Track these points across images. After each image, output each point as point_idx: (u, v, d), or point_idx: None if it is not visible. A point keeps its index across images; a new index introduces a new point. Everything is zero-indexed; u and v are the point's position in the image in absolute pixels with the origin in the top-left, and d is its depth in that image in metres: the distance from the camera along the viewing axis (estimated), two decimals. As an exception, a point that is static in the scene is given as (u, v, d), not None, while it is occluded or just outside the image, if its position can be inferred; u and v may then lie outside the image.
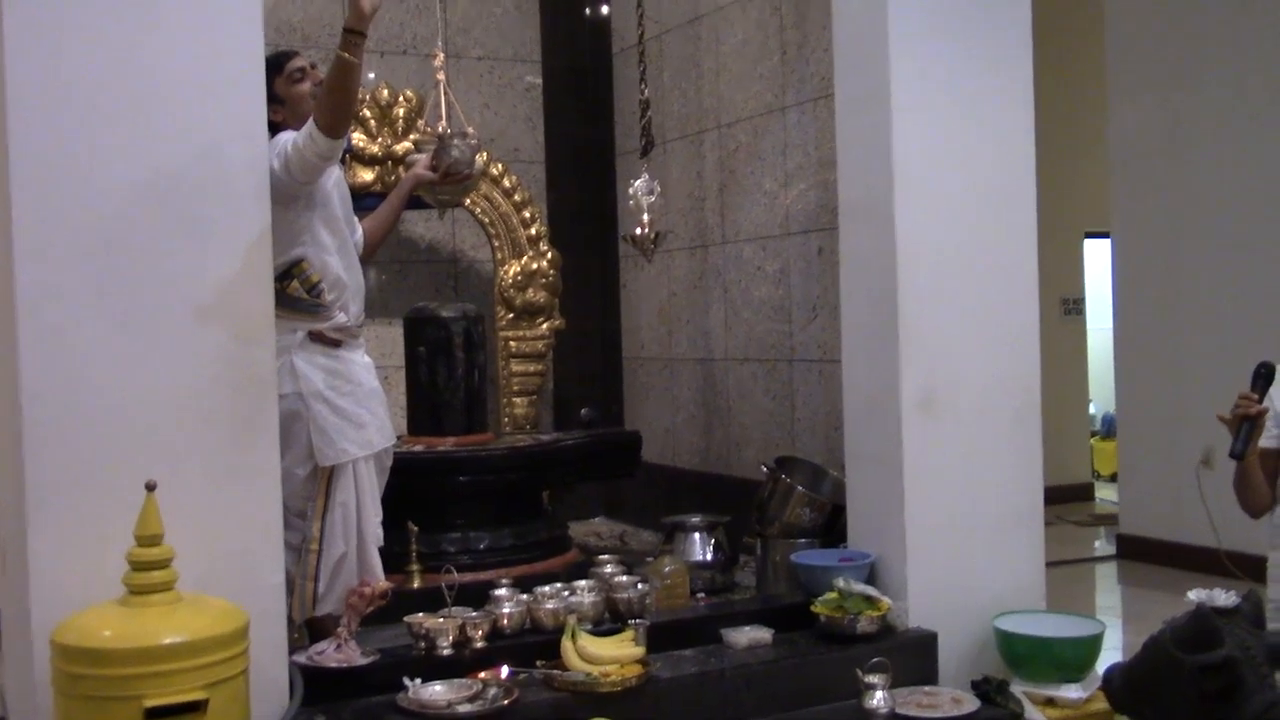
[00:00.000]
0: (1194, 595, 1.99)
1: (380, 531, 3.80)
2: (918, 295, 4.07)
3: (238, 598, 2.93)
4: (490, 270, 5.93)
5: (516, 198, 5.77)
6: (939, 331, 4.10)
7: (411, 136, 5.38)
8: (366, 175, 5.45)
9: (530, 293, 5.74)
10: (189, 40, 3.06)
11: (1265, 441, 3.17)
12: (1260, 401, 3.02)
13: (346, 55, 3.33)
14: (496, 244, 5.77)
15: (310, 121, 3.47)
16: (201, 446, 3.06)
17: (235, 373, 3.12)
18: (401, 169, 5.31)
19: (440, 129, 4.11)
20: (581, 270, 6.38)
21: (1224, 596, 1.99)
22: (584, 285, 6.43)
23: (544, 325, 5.81)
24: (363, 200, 5.54)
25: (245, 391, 3.14)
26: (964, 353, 4.14)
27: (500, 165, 5.83)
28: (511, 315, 5.75)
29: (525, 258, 5.75)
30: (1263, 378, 3.04)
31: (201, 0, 3.09)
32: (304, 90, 3.75)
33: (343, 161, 5.35)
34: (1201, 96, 6.64)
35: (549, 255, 5.79)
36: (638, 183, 5.31)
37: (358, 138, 5.47)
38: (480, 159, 4.00)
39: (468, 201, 5.60)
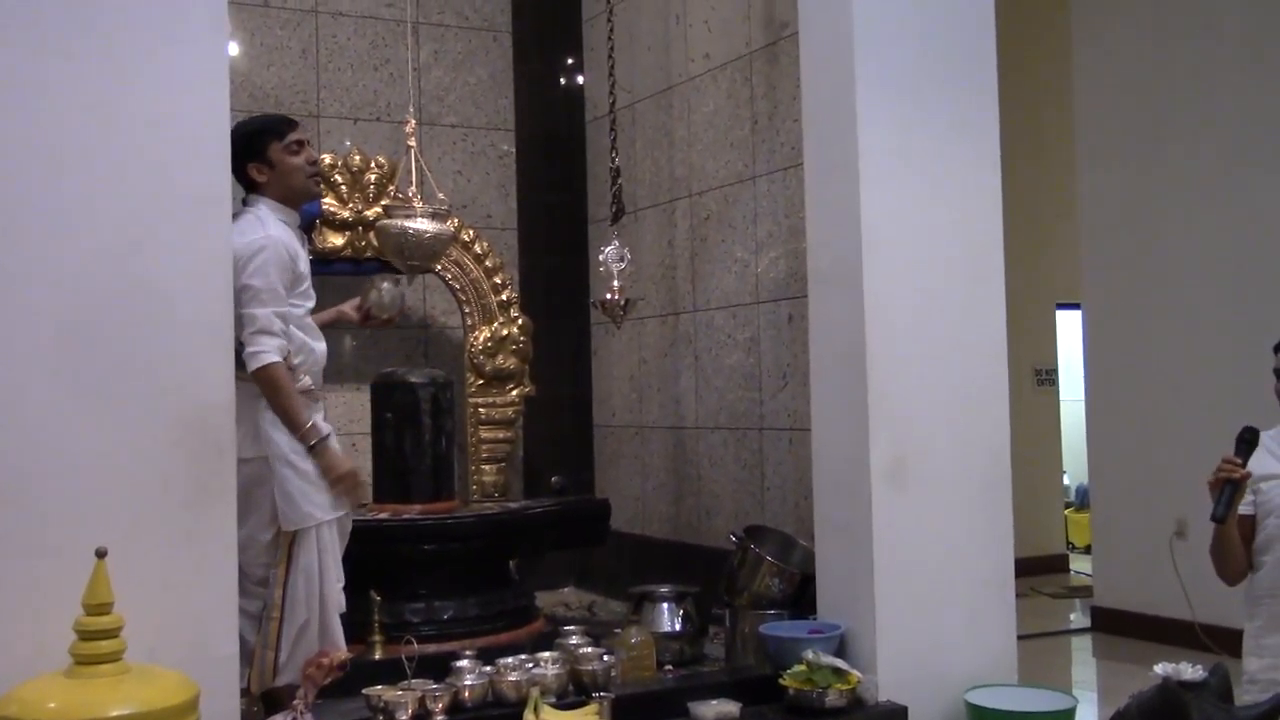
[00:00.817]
0: (1160, 669, 1.96)
1: (343, 598, 3.73)
2: (887, 363, 4.06)
3: (189, 669, 2.86)
4: (460, 336, 5.90)
5: (488, 263, 5.76)
6: (908, 400, 4.09)
7: (383, 202, 5.37)
8: (336, 240, 5.43)
9: (500, 359, 5.70)
10: (156, 102, 3.05)
11: (1242, 509, 3.17)
12: (1243, 466, 3.02)
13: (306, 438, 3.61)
14: (467, 310, 5.74)
15: (262, 350, 3.54)
16: (156, 513, 3.01)
17: (193, 439, 3.07)
18: (371, 235, 5.30)
19: (373, 285, 4.12)
20: (553, 337, 6.36)
21: (1191, 670, 1.95)
22: (555, 352, 6.41)
23: (514, 392, 5.77)
24: (332, 265, 5.54)
25: (203, 458, 3.09)
26: (933, 421, 4.13)
27: (471, 231, 5.83)
28: (481, 382, 5.72)
29: (496, 324, 5.72)
30: (1245, 443, 3.05)
31: (170, 64, 3.08)
32: (297, 163, 3.76)
33: (313, 226, 5.37)
34: (1170, 167, 6.72)
35: (520, 321, 5.77)
36: (608, 249, 5.31)
37: (328, 203, 5.46)
38: (401, 298, 4.06)
39: (438, 267, 5.59)
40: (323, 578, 3.65)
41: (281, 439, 3.65)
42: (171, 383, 3.04)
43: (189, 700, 2.69)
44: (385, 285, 3.88)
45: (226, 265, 3.18)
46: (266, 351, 3.54)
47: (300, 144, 3.81)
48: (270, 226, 3.66)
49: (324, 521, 3.67)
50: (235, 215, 3.46)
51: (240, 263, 3.51)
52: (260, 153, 3.74)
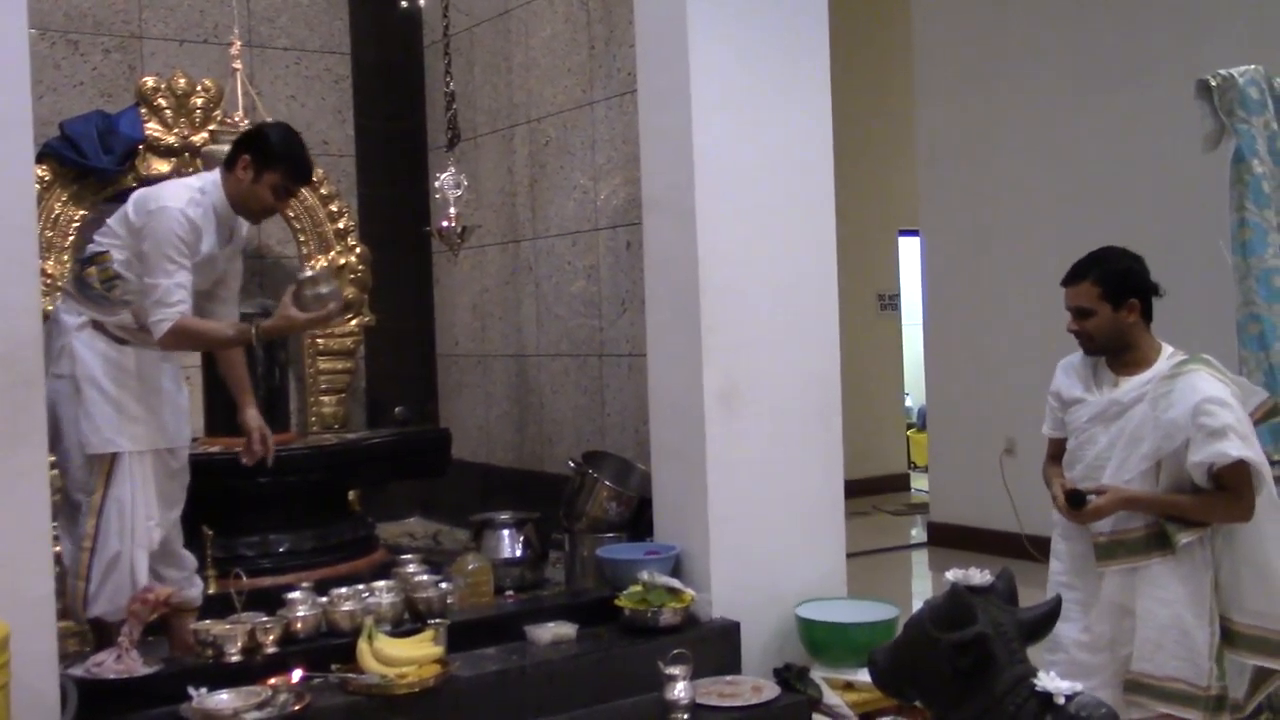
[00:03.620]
0: (951, 575, 2.05)
1: (155, 535, 3.65)
2: (719, 290, 4.12)
3: (2, 610, 2.79)
4: (296, 266, 5.76)
5: (323, 191, 5.62)
6: (740, 326, 4.15)
7: (209, 127, 5.19)
8: (163, 167, 5.22)
9: (338, 289, 5.59)
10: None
11: (1054, 431, 3.40)
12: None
13: (252, 338, 3.66)
14: (303, 239, 5.61)
15: (161, 319, 3.49)
16: (-40, 452, 2.89)
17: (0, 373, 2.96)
18: (199, 161, 5.12)
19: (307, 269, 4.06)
20: (393, 266, 6.26)
21: (979, 575, 2.05)
22: (396, 281, 6.31)
23: (353, 322, 5.67)
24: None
25: (9, 394, 2.98)
26: (765, 347, 4.20)
27: (306, 158, 5.67)
28: (318, 312, 5.59)
29: (332, 253, 5.60)
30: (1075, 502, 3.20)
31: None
32: (267, 200, 3.66)
33: (135, 153, 5.17)
34: (1004, 98, 6.90)
35: (357, 250, 5.66)
36: (444, 176, 5.24)
37: (153, 128, 5.25)
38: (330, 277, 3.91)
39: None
40: (134, 512, 3.57)
41: (94, 361, 3.57)
42: (-28, 317, 2.92)
43: (-2, 641, 2.62)
44: (309, 273, 3.74)
45: (28, 193, 3.05)
46: (163, 320, 3.46)
47: (289, 192, 3.77)
48: (185, 198, 3.58)
49: (129, 452, 3.58)
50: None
51: (139, 221, 3.55)
52: (264, 165, 3.62)
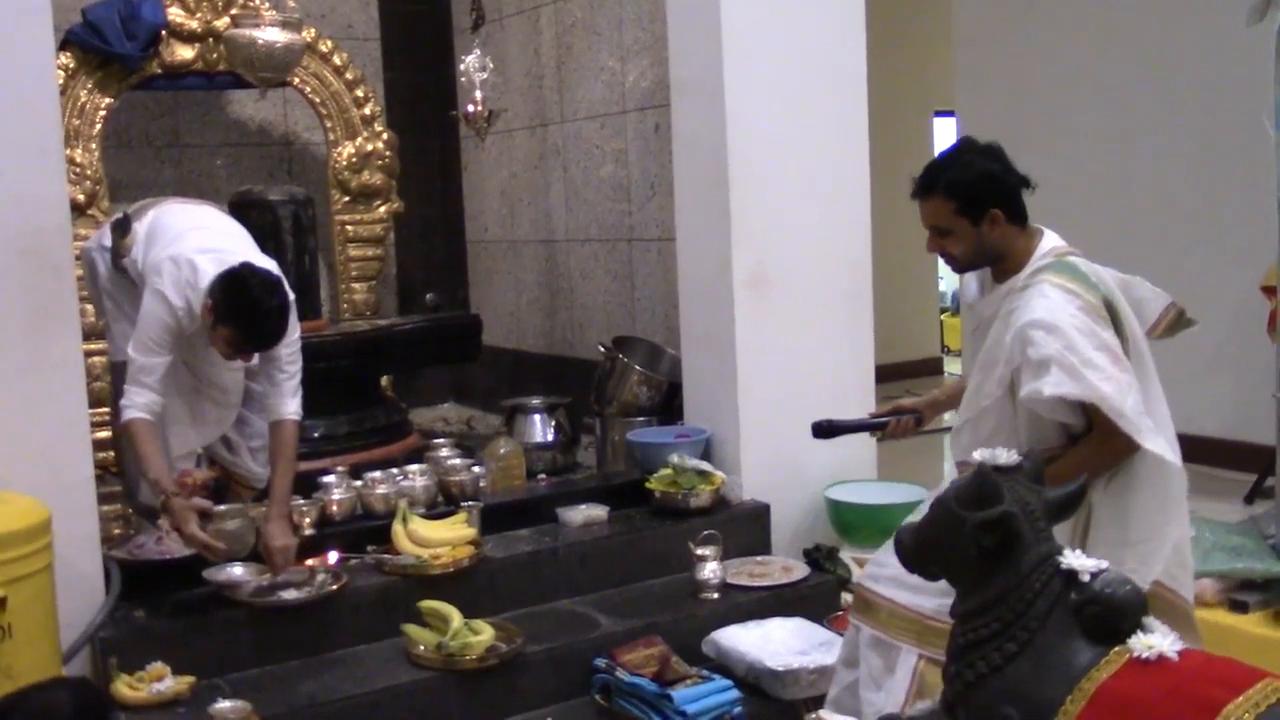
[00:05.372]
0: (978, 455, 2.04)
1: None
2: (748, 173, 4.07)
3: (43, 494, 2.85)
4: (324, 153, 5.72)
5: (348, 76, 5.54)
6: (770, 210, 4.11)
7: (231, 11, 5.11)
8: (186, 53, 5.16)
9: (366, 175, 5.55)
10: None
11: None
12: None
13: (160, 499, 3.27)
14: (329, 125, 5.55)
15: (128, 406, 3.31)
16: (-6, 342, 2.93)
17: (27, 264, 2.98)
18: (222, 48, 5.06)
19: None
20: (421, 153, 6.21)
21: (1006, 455, 2.04)
22: (424, 167, 6.27)
23: (381, 209, 5.64)
24: (183, 79, 5.30)
25: (40, 283, 3.01)
26: (795, 231, 4.16)
27: (330, 42, 5.58)
28: (347, 199, 5.56)
29: (359, 139, 5.55)
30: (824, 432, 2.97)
31: None
32: (222, 349, 3.35)
33: (159, 39, 5.10)
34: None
35: (384, 136, 5.60)
36: (469, 59, 5.16)
37: (175, 13, 5.17)
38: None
39: (297, 81, 5.38)
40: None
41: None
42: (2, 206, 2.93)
43: (38, 524, 2.68)
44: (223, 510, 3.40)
45: (49, 81, 3.04)
46: (130, 408, 3.31)
47: (244, 352, 3.40)
48: (182, 297, 3.38)
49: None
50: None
51: (145, 268, 3.48)
52: (218, 319, 3.28)
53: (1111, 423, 2.46)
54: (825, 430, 2.94)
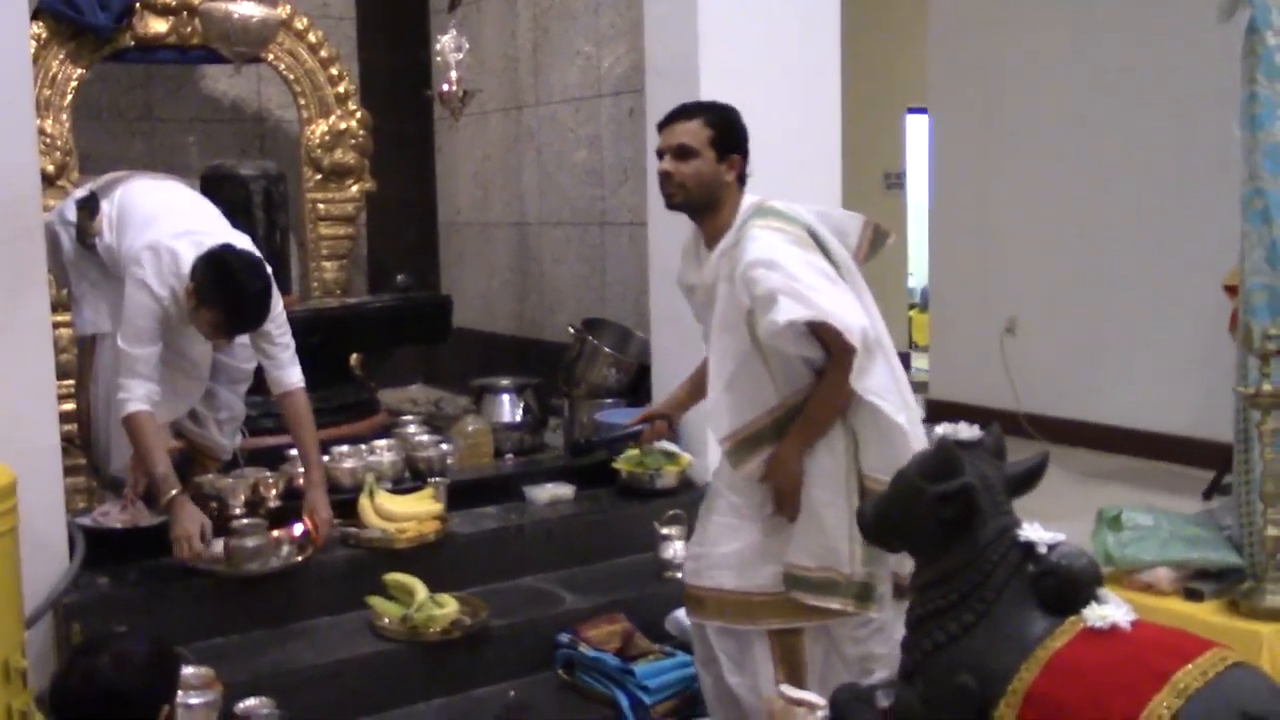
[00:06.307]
0: (940, 429, 2.08)
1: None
2: (721, 157, 4.08)
3: (8, 458, 2.84)
4: (297, 130, 5.71)
5: (323, 54, 5.52)
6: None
7: (207, -15, 5.08)
8: (160, 26, 5.12)
9: (338, 153, 5.53)
10: None
11: None
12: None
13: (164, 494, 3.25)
14: (303, 102, 5.53)
15: (127, 399, 3.28)
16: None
17: (-1, 225, 2.97)
18: (197, 21, 5.02)
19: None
20: (395, 132, 6.19)
21: (967, 430, 2.08)
22: (398, 147, 6.25)
23: (354, 187, 5.62)
24: (156, 53, 5.27)
25: (10, 248, 2.99)
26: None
27: (305, 19, 5.57)
28: (320, 176, 5.54)
29: (333, 117, 5.53)
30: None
31: None
32: (205, 331, 3.36)
33: (132, 11, 5.07)
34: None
35: (358, 115, 5.58)
36: (445, 39, 5.16)
37: (150, -15, 5.14)
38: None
39: (271, 57, 5.36)
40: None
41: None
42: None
43: (4, 486, 2.67)
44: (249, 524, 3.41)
45: (23, 49, 3.02)
46: (131, 400, 3.28)
47: (229, 334, 3.42)
48: (168, 286, 3.36)
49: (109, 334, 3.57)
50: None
51: (123, 256, 3.46)
52: (200, 301, 3.26)
53: (843, 339, 2.62)
54: (584, 449, 3.00)
